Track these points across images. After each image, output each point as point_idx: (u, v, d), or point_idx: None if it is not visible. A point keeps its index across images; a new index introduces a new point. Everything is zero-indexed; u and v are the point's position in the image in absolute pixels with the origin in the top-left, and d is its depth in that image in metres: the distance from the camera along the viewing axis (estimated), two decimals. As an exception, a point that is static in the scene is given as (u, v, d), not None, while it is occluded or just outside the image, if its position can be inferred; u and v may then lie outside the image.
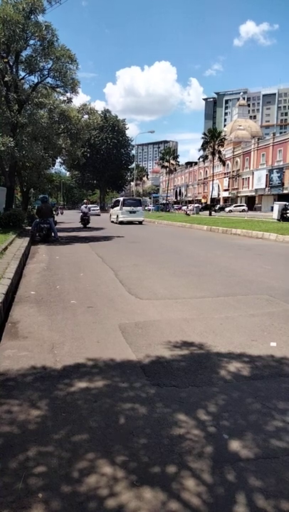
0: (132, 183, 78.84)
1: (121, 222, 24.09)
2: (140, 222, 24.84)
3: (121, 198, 27.95)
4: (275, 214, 22.97)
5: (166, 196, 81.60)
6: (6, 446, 2.01)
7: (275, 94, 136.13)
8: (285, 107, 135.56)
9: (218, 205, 61.84)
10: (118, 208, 25.11)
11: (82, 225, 20.95)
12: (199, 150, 54.62)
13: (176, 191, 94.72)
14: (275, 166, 53.28)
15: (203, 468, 1.86)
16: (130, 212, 24.54)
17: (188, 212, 46.47)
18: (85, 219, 20.99)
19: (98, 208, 47.19)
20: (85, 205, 22.19)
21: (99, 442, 2.07)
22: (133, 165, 73.95)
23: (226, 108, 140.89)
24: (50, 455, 1.95)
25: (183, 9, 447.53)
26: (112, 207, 29.03)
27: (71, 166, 50.95)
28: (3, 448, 2.00)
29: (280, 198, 51.69)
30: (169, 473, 1.83)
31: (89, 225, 21.18)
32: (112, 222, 26.08)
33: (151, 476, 1.82)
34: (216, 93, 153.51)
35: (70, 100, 18.00)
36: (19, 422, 2.24)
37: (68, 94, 17.55)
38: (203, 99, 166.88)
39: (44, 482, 1.76)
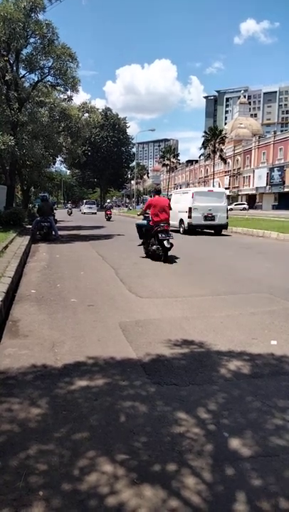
0: (132, 181, 78.58)
1: (84, 213, 42.06)
2: (95, 213, 42.15)
3: (84, 201, 51.93)
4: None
5: (167, 194, 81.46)
6: (6, 445, 2.02)
7: (276, 92, 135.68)
8: (286, 104, 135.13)
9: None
10: (83, 205, 47.64)
11: (68, 215, 35.79)
12: (200, 148, 54.72)
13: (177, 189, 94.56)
14: (276, 164, 53.16)
15: (203, 467, 1.86)
16: (88, 207, 44.11)
17: None
18: (69, 212, 37.99)
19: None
20: (70, 204, 45.79)
21: (99, 440, 2.07)
22: (134, 163, 73.80)
23: (227, 106, 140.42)
24: (50, 453, 1.96)
25: (183, 7, 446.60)
26: (81, 205, 53.79)
27: (72, 165, 50.87)
28: (4, 446, 2.01)
29: (281, 196, 51.69)
30: (170, 472, 1.84)
31: (72, 214, 36.44)
32: (81, 213, 43.36)
33: (152, 474, 1.82)
34: (216, 91, 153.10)
35: (70, 98, 17.96)
36: (20, 420, 2.25)
37: (69, 93, 17.51)
38: (204, 97, 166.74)
39: (45, 480, 1.77)
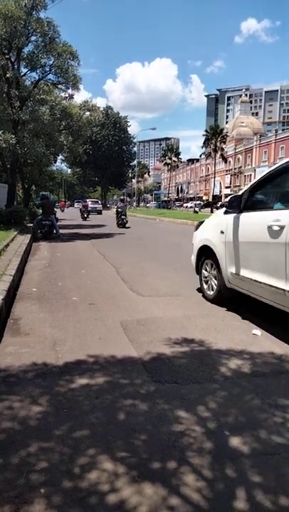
0: (133, 180, 78.48)
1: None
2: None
3: (74, 201, 60.66)
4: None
5: (168, 193, 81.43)
6: (7, 442, 2.03)
7: (277, 90, 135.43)
8: (287, 103, 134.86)
9: (220, 203, 61.60)
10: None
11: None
12: (201, 147, 54.57)
13: (178, 188, 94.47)
14: (277, 163, 53.07)
15: (203, 464, 1.87)
16: (77, 203, 50.24)
17: None
18: (62, 209, 44.26)
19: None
20: (68, 202, 57.00)
21: (100, 438, 2.08)
22: (135, 162, 73.71)
23: (228, 105, 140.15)
24: (51, 451, 1.96)
25: (183, 6, 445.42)
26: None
27: (73, 163, 50.96)
28: (5, 444, 2.02)
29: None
30: (170, 469, 1.84)
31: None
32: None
33: (152, 471, 1.83)
34: (217, 90, 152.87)
35: (71, 97, 17.92)
36: (21, 418, 2.25)
37: (70, 91, 17.48)
38: (205, 96, 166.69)
39: (46, 478, 1.77)
